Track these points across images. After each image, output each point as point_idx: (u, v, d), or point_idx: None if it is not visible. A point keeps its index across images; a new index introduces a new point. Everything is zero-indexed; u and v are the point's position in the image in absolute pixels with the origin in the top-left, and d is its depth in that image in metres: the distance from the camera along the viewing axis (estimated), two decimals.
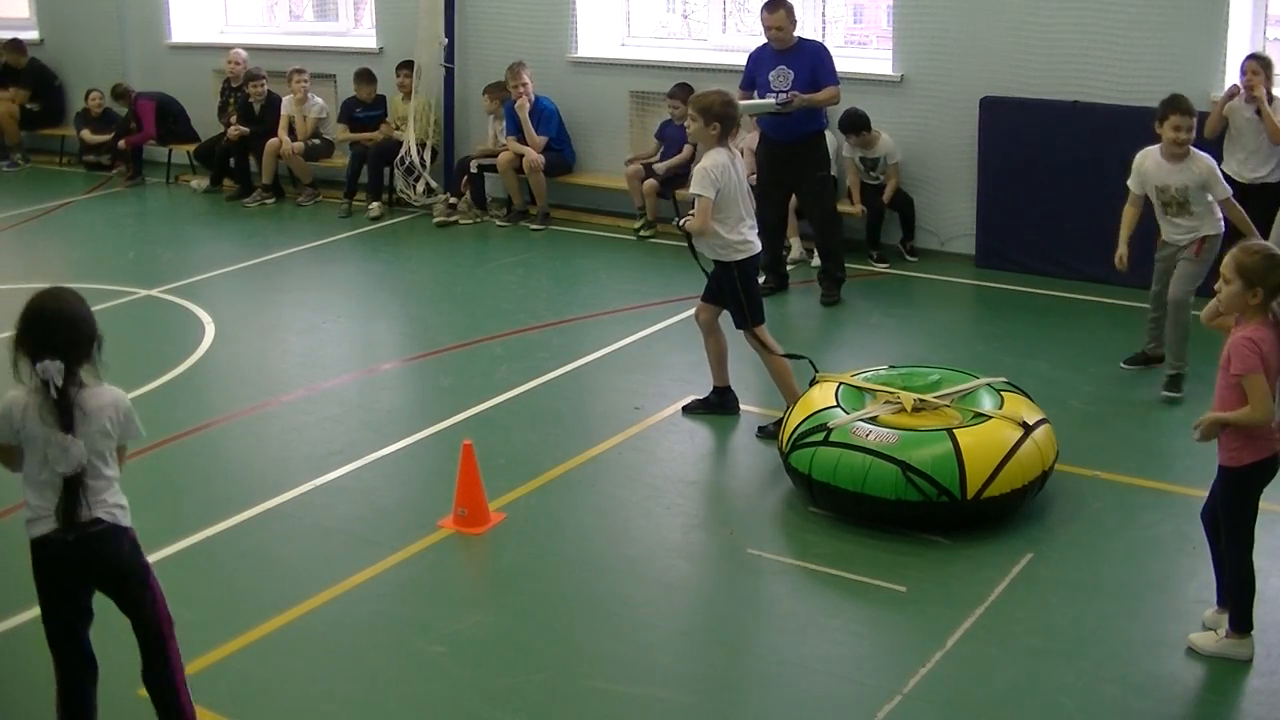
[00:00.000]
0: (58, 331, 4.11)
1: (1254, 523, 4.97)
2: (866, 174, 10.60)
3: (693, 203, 7.16)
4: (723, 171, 7.00)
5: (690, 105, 7.18)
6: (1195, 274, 7.65)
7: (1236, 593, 5.04)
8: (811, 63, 9.43)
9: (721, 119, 7.03)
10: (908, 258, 10.64)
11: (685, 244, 7.38)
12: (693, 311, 7.68)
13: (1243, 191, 8.91)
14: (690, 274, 7.50)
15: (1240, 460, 4.87)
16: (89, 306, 4.26)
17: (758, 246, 7.28)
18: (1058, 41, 9.87)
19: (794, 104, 9.25)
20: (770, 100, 9.29)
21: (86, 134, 14.81)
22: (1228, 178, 8.97)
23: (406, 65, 12.73)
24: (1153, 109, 7.74)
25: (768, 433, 7.20)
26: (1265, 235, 8.50)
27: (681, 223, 7.25)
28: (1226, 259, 4.84)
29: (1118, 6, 9.58)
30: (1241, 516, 4.94)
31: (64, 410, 4.11)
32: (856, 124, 10.32)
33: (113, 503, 4.27)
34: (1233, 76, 9.02)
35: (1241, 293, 4.79)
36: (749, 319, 7.27)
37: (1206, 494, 5.15)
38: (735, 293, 7.22)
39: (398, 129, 12.79)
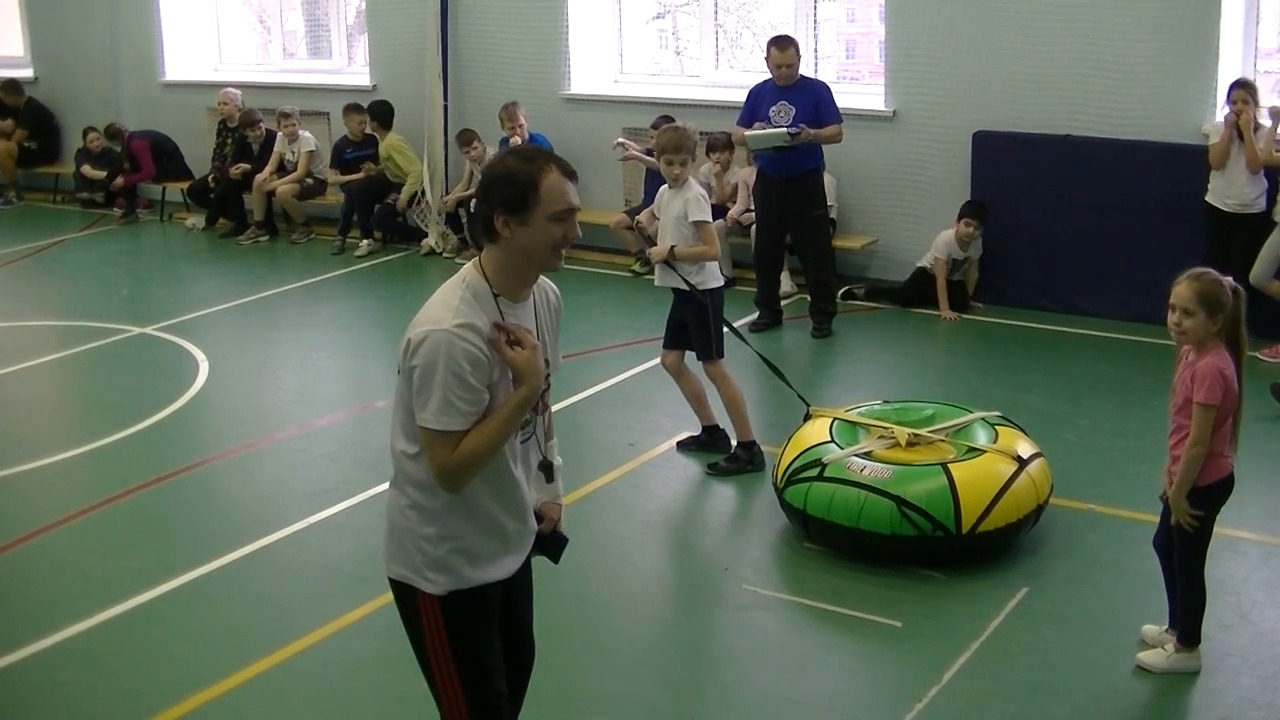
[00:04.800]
0: None
1: (1209, 542, 5.10)
2: None
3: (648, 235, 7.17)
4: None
5: (682, 149, 6.99)
6: None
7: (1189, 608, 5.16)
8: (813, 99, 9.43)
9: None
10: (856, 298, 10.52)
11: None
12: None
13: (1226, 221, 8.92)
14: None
15: (1202, 480, 4.99)
16: None
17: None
18: (1050, 76, 9.91)
19: (802, 136, 9.26)
20: (782, 130, 9.24)
21: (88, 169, 14.80)
22: (1211, 208, 9.00)
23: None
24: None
25: (719, 469, 7.19)
26: (1247, 268, 8.51)
27: (648, 254, 7.16)
28: (1185, 292, 4.88)
29: (1109, 41, 9.63)
30: (1199, 534, 5.06)
31: None
32: None
33: None
34: (1223, 109, 9.03)
35: (1206, 321, 4.86)
36: (715, 350, 7.18)
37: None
38: (707, 322, 7.12)
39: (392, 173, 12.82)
